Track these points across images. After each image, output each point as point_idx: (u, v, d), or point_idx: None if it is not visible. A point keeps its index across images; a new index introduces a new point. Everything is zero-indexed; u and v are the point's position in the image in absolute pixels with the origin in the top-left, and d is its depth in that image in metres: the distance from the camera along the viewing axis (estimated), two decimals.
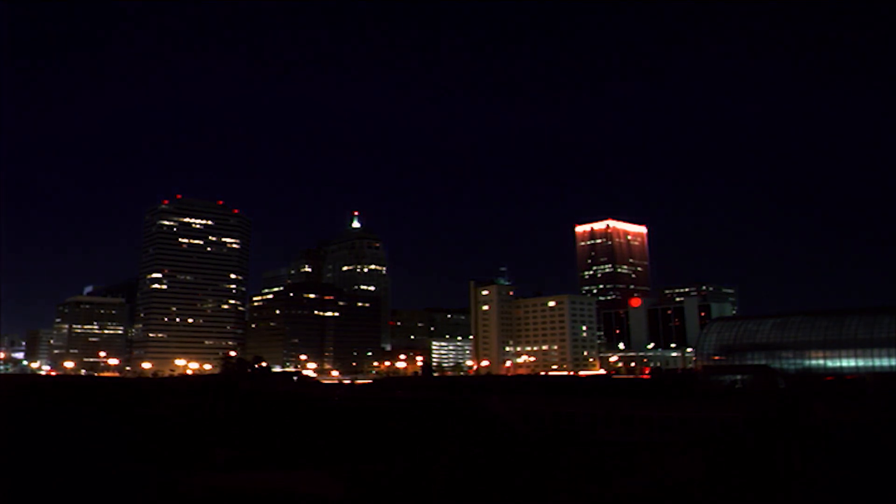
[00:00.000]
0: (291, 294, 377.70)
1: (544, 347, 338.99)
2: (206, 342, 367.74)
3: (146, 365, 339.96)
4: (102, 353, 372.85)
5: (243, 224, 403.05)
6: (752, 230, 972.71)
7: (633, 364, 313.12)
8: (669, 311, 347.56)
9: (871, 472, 43.11)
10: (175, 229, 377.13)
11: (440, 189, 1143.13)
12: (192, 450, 67.56)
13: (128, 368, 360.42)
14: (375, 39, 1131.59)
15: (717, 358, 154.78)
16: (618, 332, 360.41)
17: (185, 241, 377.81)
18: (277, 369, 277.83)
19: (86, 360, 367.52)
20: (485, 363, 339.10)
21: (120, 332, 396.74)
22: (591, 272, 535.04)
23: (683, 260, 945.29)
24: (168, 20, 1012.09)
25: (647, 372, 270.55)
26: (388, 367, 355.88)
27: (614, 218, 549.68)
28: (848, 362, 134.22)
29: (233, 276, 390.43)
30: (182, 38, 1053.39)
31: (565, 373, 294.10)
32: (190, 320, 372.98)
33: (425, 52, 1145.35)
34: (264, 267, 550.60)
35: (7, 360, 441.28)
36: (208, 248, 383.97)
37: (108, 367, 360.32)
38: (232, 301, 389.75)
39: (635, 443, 74.91)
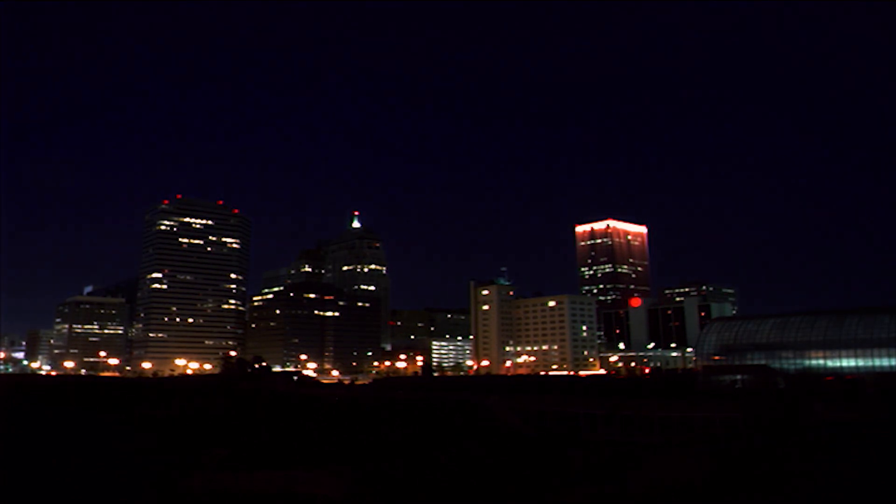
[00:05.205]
0: (291, 294, 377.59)
1: (544, 347, 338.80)
2: (206, 342, 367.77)
3: (146, 365, 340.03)
4: (102, 353, 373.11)
5: (243, 224, 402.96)
6: (752, 230, 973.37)
7: (633, 364, 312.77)
8: (669, 311, 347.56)
9: (871, 472, 43.08)
10: (175, 229, 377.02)
11: (440, 189, 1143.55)
12: (192, 450, 67.52)
13: (128, 368, 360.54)
14: (375, 39, 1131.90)
15: (717, 358, 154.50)
16: (618, 332, 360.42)
17: (185, 241, 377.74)
18: (277, 369, 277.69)
19: (86, 360, 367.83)
20: (485, 363, 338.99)
21: (120, 332, 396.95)
22: (591, 272, 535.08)
23: (683, 260, 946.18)
24: (169, 20, 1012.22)
25: (647, 372, 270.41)
26: (388, 367, 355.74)
27: (614, 218, 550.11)
28: (848, 362, 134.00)
29: (233, 276, 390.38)
30: (183, 38, 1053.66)
31: (565, 373, 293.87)
32: (190, 320, 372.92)
33: (425, 52, 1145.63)
34: (264, 267, 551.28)
35: (7, 360, 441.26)
36: (208, 248, 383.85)
37: (108, 367, 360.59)
38: (232, 301, 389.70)
39: (636, 443, 74.93)
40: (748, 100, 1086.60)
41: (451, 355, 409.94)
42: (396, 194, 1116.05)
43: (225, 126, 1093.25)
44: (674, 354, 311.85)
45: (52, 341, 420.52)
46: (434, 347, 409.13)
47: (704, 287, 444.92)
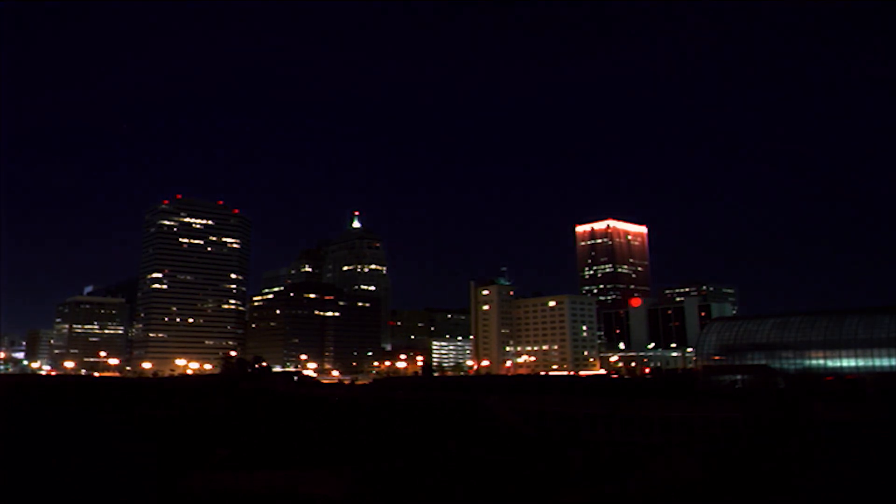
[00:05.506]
0: (291, 294, 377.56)
1: (544, 347, 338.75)
2: (207, 342, 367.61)
3: (146, 365, 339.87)
4: (102, 353, 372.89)
5: (243, 224, 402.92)
6: (752, 230, 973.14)
7: (633, 364, 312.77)
8: (669, 311, 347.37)
9: (871, 472, 43.10)
10: (175, 229, 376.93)
11: (440, 189, 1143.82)
12: (192, 450, 67.57)
13: (128, 368, 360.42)
14: (375, 39, 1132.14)
15: (717, 358, 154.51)
16: (618, 332, 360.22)
17: (185, 241, 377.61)
18: (277, 369, 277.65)
19: (86, 360, 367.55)
20: (485, 363, 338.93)
21: (120, 332, 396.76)
22: (591, 272, 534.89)
23: (683, 260, 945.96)
24: (168, 20, 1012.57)
25: (647, 372, 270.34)
26: (388, 367, 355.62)
27: (614, 218, 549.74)
28: (848, 362, 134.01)
29: (233, 276, 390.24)
30: (182, 38, 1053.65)
31: (565, 373, 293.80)
32: (190, 320, 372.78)
33: (425, 51, 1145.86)
34: (264, 267, 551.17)
35: (7, 360, 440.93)
36: (208, 248, 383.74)
37: (109, 367, 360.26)
38: (232, 301, 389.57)
39: (636, 443, 74.93)
40: (748, 100, 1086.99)
41: (451, 355, 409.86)
42: (396, 194, 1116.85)
43: (225, 126, 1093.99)
44: (674, 354, 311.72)
45: (52, 341, 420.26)
46: (434, 347, 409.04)
47: (704, 287, 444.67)
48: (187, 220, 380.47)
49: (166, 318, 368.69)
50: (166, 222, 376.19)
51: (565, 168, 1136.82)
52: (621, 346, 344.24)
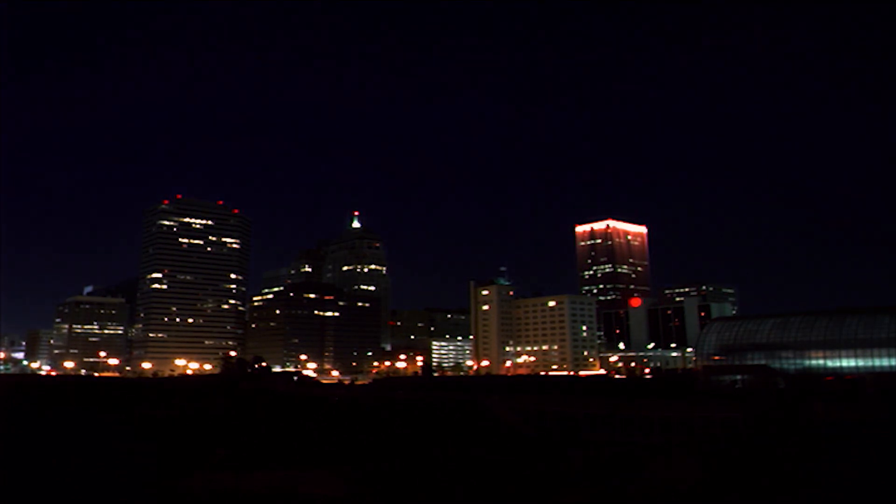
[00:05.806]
0: (291, 294, 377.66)
1: (544, 347, 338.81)
2: (206, 342, 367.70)
3: (146, 365, 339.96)
4: (102, 353, 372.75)
5: (243, 224, 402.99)
6: (752, 230, 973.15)
7: (633, 364, 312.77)
8: (669, 311, 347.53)
9: (871, 472, 43.11)
10: (175, 229, 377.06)
11: (440, 189, 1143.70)
12: (192, 450, 67.58)
13: (128, 368, 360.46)
14: (375, 39, 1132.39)
15: (717, 358, 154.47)
16: (618, 332, 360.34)
17: (185, 241, 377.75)
18: (277, 369, 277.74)
19: (86, 360, 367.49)
20: (485, 363, 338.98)
21: (120, 332, 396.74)
22: (591, 272, 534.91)
23: (683, 260, 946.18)
24: (168, 20, 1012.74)
25: (647, 372, 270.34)
26: (388, 367, 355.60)
27: (614, 218, 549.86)
28: (848, 362, 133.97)
29: (233, 276, 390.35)
30: (182, 38, 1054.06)
31: (565, 373, 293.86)
32: (190, 320, 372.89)
33: (425, 52, 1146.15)
34: (264, 267, 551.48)
35: (7, 360, 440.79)
36: (208, 248, 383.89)
37: (108, 367, 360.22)
38: (232, 301, 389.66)
39: (636, 443, 74.94)
40: (748, 100, 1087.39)
41: (451, 355, 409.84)
42: (397, 194, 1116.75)
43: (225, 126, 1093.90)
44: (674, 354, 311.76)
45: (52, 341, 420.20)
46: (434, 347, 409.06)
47: (704, 287, 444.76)
48: (187, 220, 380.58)
49: (166, 318, 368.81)
50: (166, 222, 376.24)
51: (565, 168, 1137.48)
52: (621, 346, 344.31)
